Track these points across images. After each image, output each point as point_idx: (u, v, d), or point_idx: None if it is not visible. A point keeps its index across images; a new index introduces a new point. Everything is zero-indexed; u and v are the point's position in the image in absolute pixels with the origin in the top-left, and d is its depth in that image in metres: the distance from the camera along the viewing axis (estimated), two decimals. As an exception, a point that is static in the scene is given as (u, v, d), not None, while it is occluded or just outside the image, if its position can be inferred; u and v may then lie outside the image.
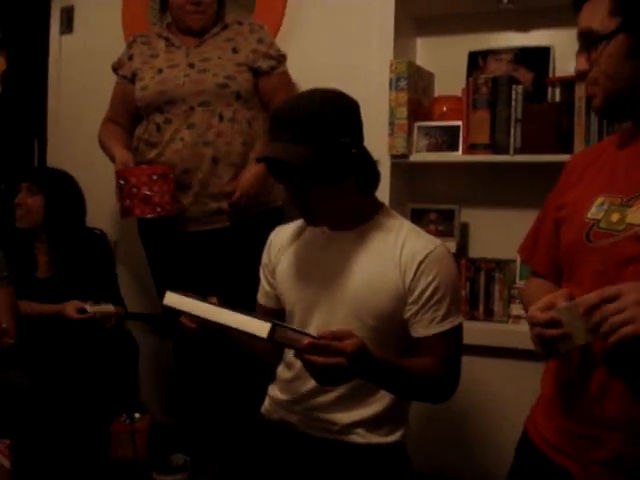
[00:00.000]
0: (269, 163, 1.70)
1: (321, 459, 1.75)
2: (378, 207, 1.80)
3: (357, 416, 1.74)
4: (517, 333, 2.49)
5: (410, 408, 1.85)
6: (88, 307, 2.62)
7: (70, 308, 2.63)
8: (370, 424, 1.75)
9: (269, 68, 2.64)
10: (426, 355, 1.69)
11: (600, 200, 1.32)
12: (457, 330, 1.73)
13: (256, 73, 2.63)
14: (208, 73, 2.57)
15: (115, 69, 2.76)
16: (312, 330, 1.64)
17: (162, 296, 1.75)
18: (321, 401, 1.76)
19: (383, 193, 2.67)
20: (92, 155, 2.87)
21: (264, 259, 1.94)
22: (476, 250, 2.79)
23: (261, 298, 1.95)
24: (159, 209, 2.49)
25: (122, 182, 2.48)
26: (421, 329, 1.70)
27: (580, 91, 2.38)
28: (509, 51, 2.69)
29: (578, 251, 1.33)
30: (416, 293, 1.69)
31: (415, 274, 1.68)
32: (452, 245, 2.65)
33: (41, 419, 2.43)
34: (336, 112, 1.65)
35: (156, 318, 3.01)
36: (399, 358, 1.66)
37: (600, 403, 1.26)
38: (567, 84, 2.43)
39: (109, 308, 2.67)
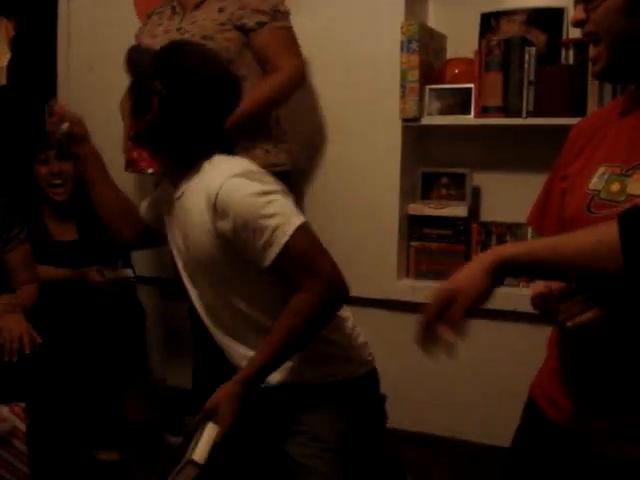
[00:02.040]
0: None
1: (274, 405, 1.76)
2: (198, 156, 1.75)
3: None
4: (528, 296, 2.48)
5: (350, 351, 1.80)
6: (106, 272, 2.71)
7: (93, 273, 2.70)
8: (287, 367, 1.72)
9: (256, 24, 2.50)
10: (288, 280, 1.64)
11: (601, 170, 1.29)
12: (296, 237, 1.61)
13: (244, 31, 2.52)
14: (187, 35, 2.50)
15: None
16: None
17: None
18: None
19: (394, 157, 2.68)
20: (103, 121, 2.86)
21: (158, 190, 2.02)
22: (488, 214, 2.78)
23: (142, 208, 2.03)
24: None
25: None
26: (261, 261, 1.62)
27: (594, 53, 2.35)
28: (522, 12, 2.64)
29: (581, 222, 1.31)
30: (229, 235, 1.63)
31: (216, 217, 1.63)
32: (464, 209, 2.65)
33: (54, 382, 2.46)
34: (170, 62, 1.75)
35: (166, 282, 3.03)
36: (271, 333, 1.63)
37: (603, 376, 1.26)
38: (581, 46, 2.39)
39: (127, 272, 2.76)
